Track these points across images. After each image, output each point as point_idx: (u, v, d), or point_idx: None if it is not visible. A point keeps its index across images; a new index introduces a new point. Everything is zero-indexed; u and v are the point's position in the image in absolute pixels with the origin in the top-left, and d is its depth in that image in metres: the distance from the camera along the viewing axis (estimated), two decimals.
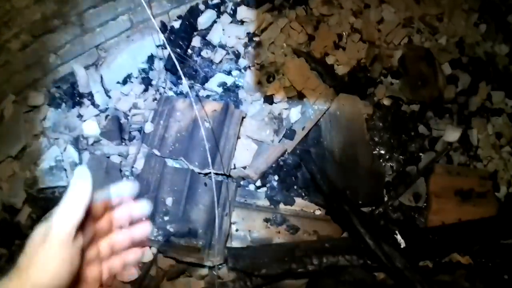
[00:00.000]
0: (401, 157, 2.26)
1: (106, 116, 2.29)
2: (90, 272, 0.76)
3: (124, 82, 2.39)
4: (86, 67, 2.34)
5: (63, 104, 2.29)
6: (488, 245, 2.09)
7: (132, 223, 0.84)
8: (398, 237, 1.95)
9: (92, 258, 0.77)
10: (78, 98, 2.33)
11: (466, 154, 2.32)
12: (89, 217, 0.74)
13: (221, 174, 2.08)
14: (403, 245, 1.94)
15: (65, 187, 2.11)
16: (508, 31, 2.57)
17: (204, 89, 2.32)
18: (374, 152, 2.24)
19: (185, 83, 2.31)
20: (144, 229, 0.85)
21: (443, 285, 1.92)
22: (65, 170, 2.17)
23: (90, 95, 2.34)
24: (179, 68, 1.68)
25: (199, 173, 2.05)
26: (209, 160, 1.88)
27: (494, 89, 2.48)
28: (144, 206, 0.84)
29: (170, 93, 2.34)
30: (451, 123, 2.35)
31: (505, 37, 2.58)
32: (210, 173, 2.06)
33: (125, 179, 2.13)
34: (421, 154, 2.27)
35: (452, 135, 2.29)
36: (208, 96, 2.30)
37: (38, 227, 0.68)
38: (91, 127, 2.24)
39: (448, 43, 2.52)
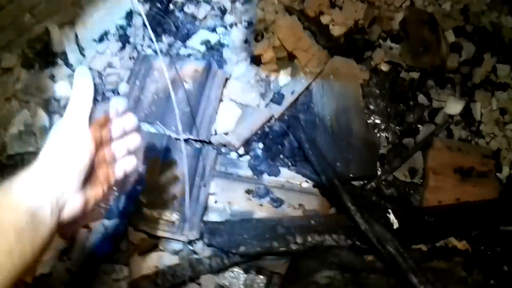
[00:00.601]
0: (397, 128, 2.01)
1: None
2: (101, 172, 0.89)
3: (100, 39, 2.12)
4: (61, 25, 2.10)
5: (36, 65, 2.06)
6: (487, 231, 1.86)
7: (125, 134, 0.97)
8: (391, 216, 1.72)
9: (101, 160, 0.89)
10: (51, 58, 2.09)
11: (468, 129, 2.07)
12: (94, 122, 0.86)
13: (200, 141, 1.83)
14: (396, 225, 1.70)
15: (34, 153, 1.88)
16: None
17: (186, 47, 2.05)
18: (368, 121, 1.98)
19: (164, 41, 2.05)
20: (135, 139, 1.00)
21: (438, 273, 1.70)
22: (35, 135, 1.95)
23: (64, 54, 2.09)
24: (148, 26, 1.41)
25: (176, 138, 1.80)
26: (178, 124, 1.63)
27: (500, 62, 2.21)
28: (132, 118, 0.99)
29: (149, 51, 2.07)
30: (453, 94, 2.10)
31: (511, 9, 2.31)
32: (188, 139, 1.82)
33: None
34: (419, 126, 2.02)
35: (454, 107, 2.04)
36: (189, 55, 2.03)
37: (53, 128, 0.80)
38: (63, 88, 2.01)
39: (452, 9, 2.25)
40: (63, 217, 0.77)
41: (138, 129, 1.03)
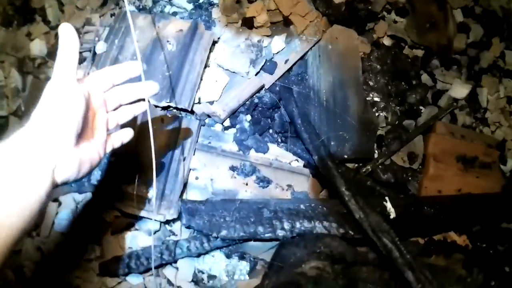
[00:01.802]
0: (398, 108, 1.73)
1: (56, 34, 1.75)
2: (99, 136, 0.84)
3: None
4: None
5: (14, 22, 1.78)
6: (489, 227, 1.60)
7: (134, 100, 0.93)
8: (388, 205, 1.45)
9: (101, 124, 0.85)
10: (29, 15, 1.81)
11: (473, 115, 1.80)
12: (94, 84, 0.83)
13: (182, 109, 1.53)
14: (393, 215, 1.44)
15: (5, 117, 1.65)
16: None
17: (172, 5, 1.73)
18: (367, 99, 1.70)
19: None
20: (141, 107, 0.97)
21: (436, 270, 1.44)
22: (7, 97, 1.68)
23: (43, 11, 1.81)
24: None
25: (156, 106, 1.51)
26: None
27: (508, 48, 1.94)
28: (153, 86, 0.94)
29: (131, 8, 1.75)
30: (459, 77, 1.83)
31: None
32: (169, 107, 1.52)
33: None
34: (421, 107, 1.74)
35: (460, 90, 1.77)
36: (175, 14, 1.71)
37: (44, 89, 0.74)
38: (38, 47, 1.74)
39: None
40: (56, 180, 0.71)
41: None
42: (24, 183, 0.64)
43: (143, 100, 0.96)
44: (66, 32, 0.75)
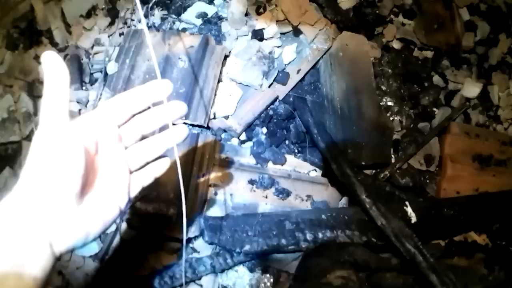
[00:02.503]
0: (412, 111, 1.75)
1: (65, 56, 1.76)
2: (117, 182, 0.67)
3: (88, 15, 1.83)
4: (47, 1, 1.83)
5: (20, 45, 1.80)
6: (508, 224, 1.62)
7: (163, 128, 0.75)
8: (409, 209, 1.46)
9: (119, 166, 0.67)
10: (36, 37, 1.83)
11: (486, 114, 1.82)
12: (106, 117, 0.66)
13: (198, 126, 1.55)
14: (414, 219, 1.45)
15: (18, 142, 1.66)
16: None
17: (180, 21, 1.75)
18: (381, 104, 1.72)
19: (157, 15, 1.75)
20: (181, 131, 0.78)
21: (459, 271, 1.45)
22: (18, 122, 1.69)
23: (49, 33, 1.82)
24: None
25: (173, 124, 1.52)
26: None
27: None
28: (181, 107, 0.75)
29: (140, 26, 1.77)
30: (470, 76, 1.85)
31: None
32: (184, 124, 1.54)
33: None
34: (435, 109, 1.76)
35: (472, 90, 1.78)
36: (184, 30, 1.74)
37: (33, 139, 0.58)
38: None
39: None
40: (56, 252, 0.56)
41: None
42: (13, 266, 0.51)
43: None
44: (50, 62, 0.60)
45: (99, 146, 0.65)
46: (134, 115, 0.71)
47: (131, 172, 0.71)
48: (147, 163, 0.75)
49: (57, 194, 0.56)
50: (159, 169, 0.78)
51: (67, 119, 0.59)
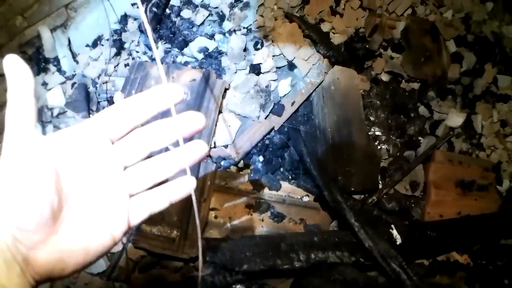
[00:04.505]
0: (398, 140, 2.00)
1: (73, 84, 1.99)
2: (112, 208, 0.59)
3: (94, 45, 2.07)
4: (54, 29, 2.04)
5: None
6: (488, 245, 1.86)
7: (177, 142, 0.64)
8: (394, 232, 1.71)
9: (114, 189, 0.59)
10: (43, 64, 2.03)
11: (469, 142, 2.07)
12: (96, 129, 0.58)
13: None
14: (399, 241, 1.70)
15: None
16: None
17: (183, 54, 2.00)
18: (369, 133, 1.97)
19: (160, 48, 2.00)
20: (201, 148, 0.65)
21: None
22: None
23: (56, 60, 2.04)
24: (149, 32, 1.36)
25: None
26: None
27: (501, 72, 2.23)
28: (198, 118, 0.64)
29: (144, 58, 2.02)
30: (454, 106, 2.10)
31: None
32: None
33: None
34: (420, 138, 2.01)
35: (455, 119, 2.04)
36: (186, 63, 1.98)
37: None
38: (56, 97, 1.96)
39: (453, 18, 2.24)
40: (31, 280, 0.52)
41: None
42: None
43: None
44: (13, 66, 0.55)
45: (85, 165, 0.57)
46: (136, 128, 0.63)
47: (131, 196, 0.62)
48: (155, 185, 0.65)
49: (23, 219, 0.50)
50: (178, 192, 0.66)
51: (33, 131, 0.53)
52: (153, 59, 2.02)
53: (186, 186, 0.66)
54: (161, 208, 0.65)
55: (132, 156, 0.62)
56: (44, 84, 2.00)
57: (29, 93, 0.54)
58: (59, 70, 2.03)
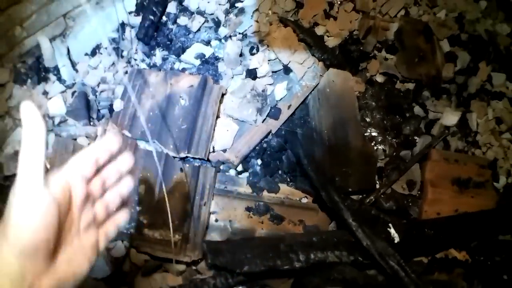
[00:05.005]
0: (394, 140, 2.06)
1: (73, 93, 2.05)
2: (87, 238, 0.73)
3: (93, 53, 2.14)
4: (53, 38, 2.09)
5: (29, 81, 2.05)
6: (486, 241, 1.92)
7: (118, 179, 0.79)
8: (392, 231, 1.77)
9: (88, 222, 0.73)
10: (43, 73, 2.08)
11: (464, 140, 2.13)
12: (75, 175, 0.70)
13: (199, 159, 1.85)
14: (397, 239, 1.76)
15: None
16: (510, 10, 2.37)
17: (180, 61, 2.07)
18: (365, 134, 2.03)
19: (158, 55, 2.07)
20: (129, 184, 0.80)
21: (440, 285, 1.76)
22: None
23: (56, 70, 2.09)
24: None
25: (174, 157, 1.83)
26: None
27: (495, 70, 2.29)
28: (128, 159, 0.80)
29: (143, 66, 2.09)
30: (449, 105, 2.17)
31: (506, 15, 2.39)
32: (186, 157, 1.84)
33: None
34: (416, 137, 2.08)
35: (450, 118, 2.10)
36: (184, 69, 2.05)
37: (10, 195, 0.63)
38: (56, 106, 2.01)
39: (447, 17, 2.31)
40: None
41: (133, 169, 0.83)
42: None
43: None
44: (28, 115, 0.65)
45: (71, 204, 0.70)
46: (98, 170, 0.76)
47: (98, 226, 0.77)
48: (110, 215, 0.79)
49: (32, 252, 0.62)
50: (120, 219, 0.81)
51: (42, 177, 0.63)
52: (151, 67, 2.08)
53: (123, 215, 0.82)
54: (114, 234, 0.80)
55: (97, 192, 0.76)
56: (45, 93, 2.06)
57: (40, 144, 0.64)
58: (59, 79, 2.08)
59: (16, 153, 1.94)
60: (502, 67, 2.29)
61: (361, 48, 2.13)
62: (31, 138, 0.64)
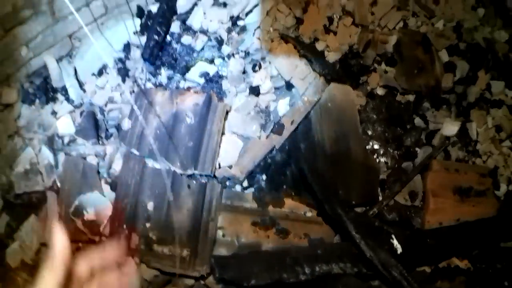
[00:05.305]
0: (396, 152, 2.13)
1: (81, 112, 2.13)
2: None
3: (100, 73, 2.21)
4: (60, 59, 2.17)
5: (37, 101, 2.13)
6: (487, 248, 1.98)
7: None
8: (395, 242, 1.84)
9: None
10: (51, 94, 2.16)
11: (465, 149, 2.20)
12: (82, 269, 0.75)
13: (206, 175, 1.93)
14: (399, 250, 1.83)
15: (42, 192, 2.01)
16: (508, 16, 2.43)
17: (185, 79, 2.14)
18: (367, 147, 2.10)
19: (163, 74, 2.14)
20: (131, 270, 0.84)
21: None
22: (41, 173, 2.04)
23: (64, 90, 2.17)
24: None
25: (182, 174, 1.90)
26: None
27: (494, 78, 2.35)
28: (132, 265, 0.84)
29: (149, 85, 2.16)
30: (449, 115, 2.23)
31: (504, 22, 2.44)
32: (193, 174, 1.91)
33: (103, 182, 2.00)
34: (417, 149, 2.15)
35: (450, 128, 2.16)
36: (189, 88, 2.12)
37: None
38: (65, 125, 2.10)
39: (445, 27, 2.36)
40: None
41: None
42: None
43: None
44: (57, 237, 0.73)
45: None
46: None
47: None
48: None
49: None
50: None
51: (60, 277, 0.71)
52: (157, 85, 2.16)
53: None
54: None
55: None
56: (53, 113, 2.13)
57: (64, 261, 0.72)
58: (67, 99, 2.15)
59: (26, 172, 2.02)
60: (500, 74, 2.34)
61: (361, 61, 2.19)
62: (56, 256, 0.71)
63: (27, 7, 1.88)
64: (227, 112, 2.02)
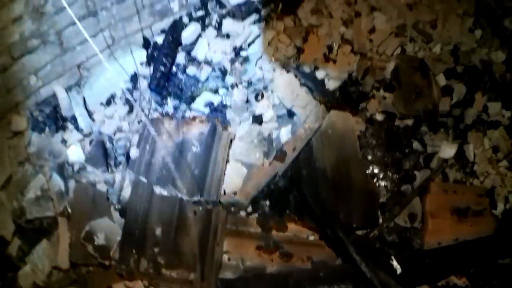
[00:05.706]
0: (395, 175, 2.22)
1: (91, 141, 2.24)
2: None
3: (108, 103, 2.33)
4: (68, 88, 2.28)
5: (47, 129, 2.23)
6: (485, 266, 2.07)
7: None
8: (394, 262, 1.93)
9: None
10: (61, 122, 2.27)
11: (462, 171, 2.29)
12: None
13: (211, 202, 2.03)
14: (399, 271, 1.92)
15: (53, 218, 2.11)
16: (505, 36, 2.51)
17: (191, 109, 2.26)
18: (367, 172, 2.20)
19: (170, 104, 2.26)
20: None
21: None
22: (52, 199, 2.14)
23: (73, 119, 2.27)
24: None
25: (188, 200, 2.00)
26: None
27: (491, 99, 2.44)
28: None
29: (156, 114, 2.27)
30: (446, 138, 2.33)
31: (501, 42, 2.52)
32: (199, 200, 2.01)
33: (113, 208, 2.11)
34: (416, 172, 2.24)
35: (448, 151, 2.26)
36: (194, 118, 2.23)
37: None
38: (75, 153, 2.21)
39: (442, 51, 2.46)
40: None
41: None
42: None
43: None
44: None
45: None
46: None
47: None
48: None
49: None
50: None
51: None
52: (164, 115, 2.26)
53: None
54: None
55: None
56: (63, 141, 2.24)
57: None
58: (77, 128, 2.26)
59: (37, 199, 2.11)
60: (497, 95, 2.43)
61: (360, 88, 2.30)
62: None
63: (34, 36, 1.99)
64: (231, 141, 2.14)
